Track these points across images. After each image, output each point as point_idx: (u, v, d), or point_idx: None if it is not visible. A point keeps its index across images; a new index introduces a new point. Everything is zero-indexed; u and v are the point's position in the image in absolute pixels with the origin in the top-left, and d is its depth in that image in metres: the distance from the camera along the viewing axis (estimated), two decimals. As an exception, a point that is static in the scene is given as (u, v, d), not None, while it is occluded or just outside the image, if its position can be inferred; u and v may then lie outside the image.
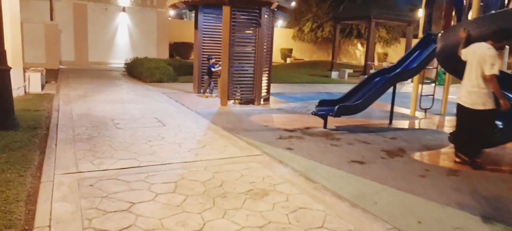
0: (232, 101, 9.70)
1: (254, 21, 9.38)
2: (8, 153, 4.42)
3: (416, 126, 8.15)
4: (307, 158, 5.17)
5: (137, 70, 14.28)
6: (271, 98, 10.66)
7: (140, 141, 5.47)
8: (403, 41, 33.23)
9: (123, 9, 21.22)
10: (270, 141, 6.00)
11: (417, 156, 5.65)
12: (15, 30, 8.77)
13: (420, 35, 9.23)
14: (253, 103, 9.69)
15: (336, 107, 6.89)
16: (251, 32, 9.51)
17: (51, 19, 18.15)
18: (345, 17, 21.78)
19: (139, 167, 4.34)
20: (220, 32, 10.91)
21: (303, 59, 33.31)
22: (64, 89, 10.59)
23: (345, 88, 15.46)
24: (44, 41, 16.56)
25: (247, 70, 9.64)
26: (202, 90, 10.71)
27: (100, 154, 4.72)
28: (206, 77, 10.63)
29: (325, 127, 7.14)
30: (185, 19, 38.93)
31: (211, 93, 10.67)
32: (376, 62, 27.19)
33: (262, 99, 9.82)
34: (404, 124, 8.28)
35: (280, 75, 17.74)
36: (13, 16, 8.63)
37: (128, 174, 4.08)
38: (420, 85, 9.35)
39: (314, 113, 7.22)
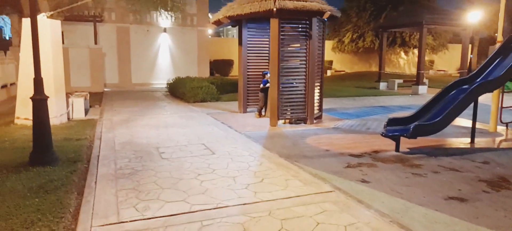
0: (282, 121, 8.86)
1: (304, 33, 8.55)
2: (41, 196, 3.84)
3: (505, 145, 6.86)
4: (391, 194, 4.18)
5: (179, 91, 13.88)
6: (323, 115, 9.70)
7: (189, 175, 4.75)
8: (451, 47, 31.17)
9: (164, 30, 21.23)
10: (337, 170, 5.07)
11: (529, 188, 4.48)
12: (57, 56, 8.51)
13: (499, 39, 7.97)
14: (305, 122, 8.79)
15: (412, 126, 5.83)
16: (301, 45, 8.68)
17: (95, 43, 18.44)
18: (394, 25, 20.38)
19: (190, 212, 3.58)
20: (266, 47, 10.24)
21: (344, 71, 32.01)
22: (108, 113, 10.28)
23: (400, 101, 14.29)
24: (89, 65, 16.73)
25: (297, 86, 8.78)
26: (257, 110, 9.76)
27: (145, 195, 4.03)
28: (260, 94, 9.73)
29: (397, 150, 6.09)
30: (222, 36, 39.05)
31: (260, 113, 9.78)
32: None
33: (314, 118, 8.90)
34: (489, 142, 7.01)
35: (325, 89, 16.64)
36: (55, 43, 8.37)
37: (179, 223, 3.32)
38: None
39: (385, 135, 6.18)
